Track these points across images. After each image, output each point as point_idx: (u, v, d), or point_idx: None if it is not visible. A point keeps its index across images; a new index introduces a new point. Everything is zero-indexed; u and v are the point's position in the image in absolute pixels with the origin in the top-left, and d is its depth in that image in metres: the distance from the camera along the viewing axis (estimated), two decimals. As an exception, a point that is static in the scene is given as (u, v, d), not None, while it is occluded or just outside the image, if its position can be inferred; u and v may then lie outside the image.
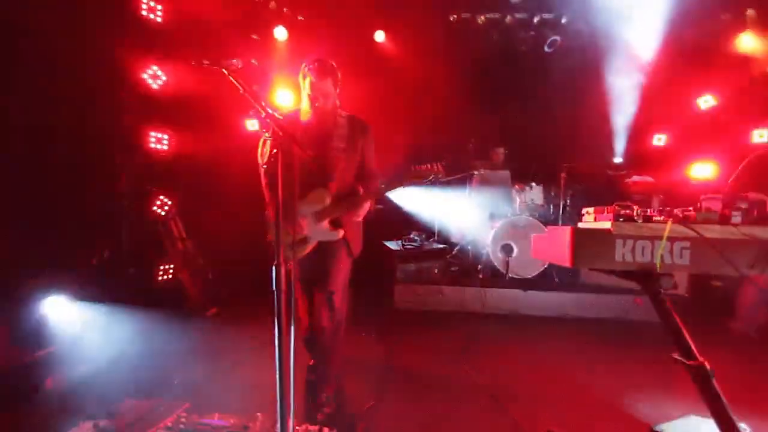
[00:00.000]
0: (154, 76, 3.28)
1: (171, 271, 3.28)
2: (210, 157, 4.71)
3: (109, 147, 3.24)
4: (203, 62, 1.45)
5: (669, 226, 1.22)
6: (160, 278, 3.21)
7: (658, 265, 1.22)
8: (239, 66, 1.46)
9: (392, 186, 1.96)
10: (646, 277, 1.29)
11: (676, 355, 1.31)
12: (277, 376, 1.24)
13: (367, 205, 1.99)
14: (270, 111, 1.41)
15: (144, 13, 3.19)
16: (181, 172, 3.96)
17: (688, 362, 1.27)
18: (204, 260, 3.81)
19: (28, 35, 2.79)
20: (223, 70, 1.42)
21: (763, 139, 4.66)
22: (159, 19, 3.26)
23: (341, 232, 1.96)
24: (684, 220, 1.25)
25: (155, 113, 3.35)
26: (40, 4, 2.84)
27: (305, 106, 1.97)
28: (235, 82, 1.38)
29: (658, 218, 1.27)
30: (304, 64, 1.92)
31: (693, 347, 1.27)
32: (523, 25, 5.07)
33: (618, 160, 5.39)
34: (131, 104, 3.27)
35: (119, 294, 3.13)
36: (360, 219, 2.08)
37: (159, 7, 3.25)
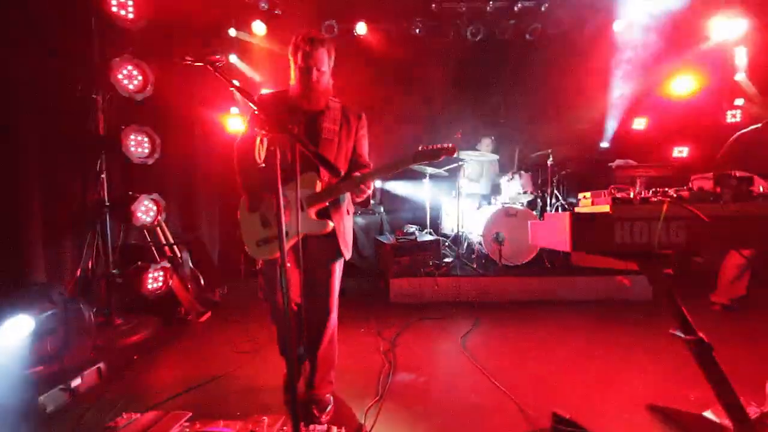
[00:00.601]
0: (129, 76, 3.13)
1: (160, 278, 3.18)
2: (193, 158, 4.59)
3: (86, 153, 3.10)
4: (186, 59, 1.39)
5: (666, 206, 1.24)
6: (149, 286, 3.10)
7: (656, 245, 1.24)
8: (223, 62, 1.41)
9: (403, 164, 1.76)
10: (645, 258, 1.31)
11: (675, 331, 1.34)
12: (288, 377, 1.22)
13: (367, 190, 1.79)
14: (268, 116, 1.34)
15: (114, 9, 3.03)
16: (164, 174, 3.83)
17: (687, 337, 1.31)
18: (193, 264, 3.71)
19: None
20: (209, 66, 1.37)
21: (736, 120, 4.86)
22: (131, 15, 3.11)
23: (330, 225, 1.76)
24: (678, 200, 1.28)
25: (133, 115, 3.20)
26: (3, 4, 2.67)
27: (294, 81, 1.79)
28: (222, 78, 1.33)
29: (654, 199, 1.29)
30: (295, 37, 1.75)
31: (692, 323, 1.31)
32: (504, 13, 5.09)
33: (605, 145, 5.51)
34: (106, 106, 3.12)
35: (108, 304, 3.03)
36: (351, 214, 1.96)
37: (130, 2, 3.10)
